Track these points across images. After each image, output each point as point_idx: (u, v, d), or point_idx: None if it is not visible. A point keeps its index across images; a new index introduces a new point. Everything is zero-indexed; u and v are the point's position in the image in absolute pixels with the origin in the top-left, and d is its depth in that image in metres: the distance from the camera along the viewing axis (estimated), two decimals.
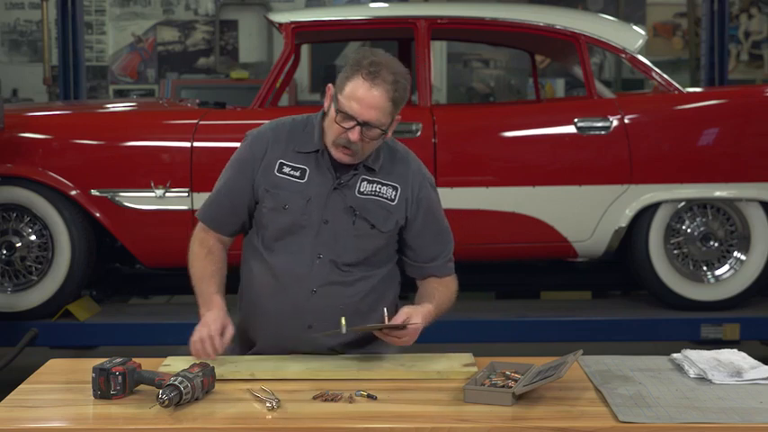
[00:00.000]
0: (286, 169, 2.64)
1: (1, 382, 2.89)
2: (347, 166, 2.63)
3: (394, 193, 2.66)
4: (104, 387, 2.29)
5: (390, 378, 2.45)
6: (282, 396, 2.26)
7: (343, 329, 2.50)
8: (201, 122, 4.68)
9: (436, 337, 4.70)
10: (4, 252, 4.69)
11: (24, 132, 4.70)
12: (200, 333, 2.52)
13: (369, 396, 2.28)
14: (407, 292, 2.85)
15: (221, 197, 2.73)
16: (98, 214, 4.62)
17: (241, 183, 2.68)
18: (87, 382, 2.32)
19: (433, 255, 2.75)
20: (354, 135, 2.53)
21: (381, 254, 2.71)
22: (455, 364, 2.52)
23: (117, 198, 4.60)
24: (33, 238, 4.69)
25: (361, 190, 2.64)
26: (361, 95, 2.50)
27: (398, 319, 2.53)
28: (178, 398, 2.21)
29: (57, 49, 6.59)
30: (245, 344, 2.76)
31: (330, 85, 2.60)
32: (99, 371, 2.29)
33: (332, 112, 2.56)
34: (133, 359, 2.38)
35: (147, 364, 2.42)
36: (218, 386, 2.36)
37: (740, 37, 10.18)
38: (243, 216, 2.72)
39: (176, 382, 2.22)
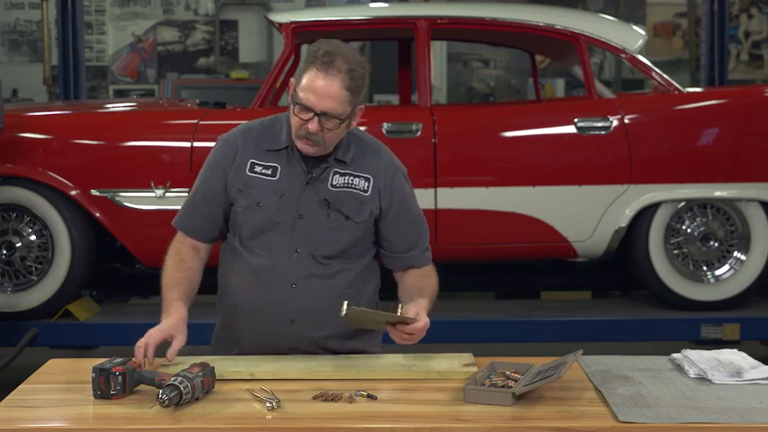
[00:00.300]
0: (258, 168, 2.67)
1: (1, 382, 2.90)
2: (318, 160, 2.65)
3: (366, 184, 2.69)
4: (104, 387, 2.28)
5: (390, 378, 2.45)
6: (282, 396, 2.26)
7: (343, 311, 2.45)
8: (201, 122, 4.68)
9: (436, 337, 4.72)
10: (4, 252, 4.69)
11: (24, 132, 4.70)
12: (141, 339, 2.50)
13: (369, 396, 2.28)
14: (387, 291, 2.86)
15: (197, 203, 2.74)
16: (98, 214, 4.62)
17: (215, 186, 2.70)
18: (87, 382, 2.32)
19: (409, 245, 2.76)
20: (313, 126, 2.55)
21: (359, 246, 2.72)
22: (455, 364, 2.52)
23: (117, 198, 4.60)
24: (33, 238, 4.69)
25: (334, 183, 2.66)
26: (317, 86, 2.53)
27: (410, 312, 2.52)
28: (178, 398, 2.21)
29: (57, 49, 6.59)
30: (226, 345, 2.76)
31: (292, 79, 2.63)
32: (99, 371, 2.29)
33: (291, 105, 2.59)
34: (133, 359, 2.38)
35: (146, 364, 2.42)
36: (218, 386, 2.36)
37: (740, 37, 10.18)
38: (220, 221, 2.73)
39: (176, 382, 2.22)
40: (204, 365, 2.34)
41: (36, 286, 4.69)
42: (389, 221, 2.73)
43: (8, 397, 2.32)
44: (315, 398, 2.27)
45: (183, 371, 2.28)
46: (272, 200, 2.64)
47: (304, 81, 2.55)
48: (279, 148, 2.67)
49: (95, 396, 2.29)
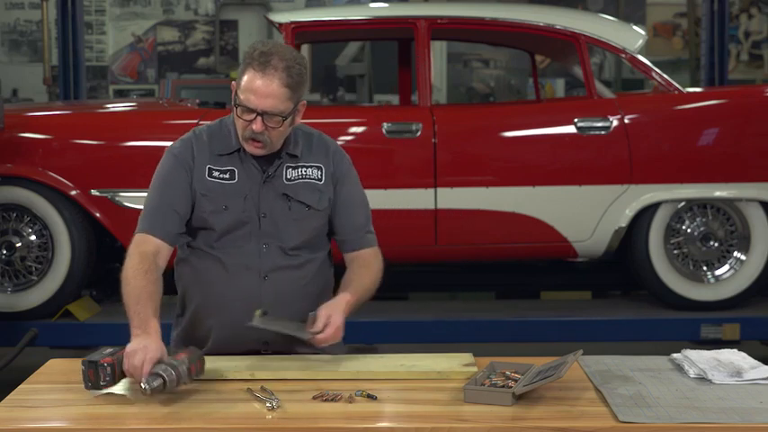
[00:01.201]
0: (215, 173, 2.71)
1: (1, 382, 2.90)
2: (270, 157, 2.70)
3: (319, 172, 2.75)
4: (94, 378, 2.29)
5: (390, 378, 2.45)
6: (282, 396, 2.26)
7: (255, 321, 2.49)
8: (201, 122, 4.68)
9: (436, 337, 4.74)
10: (4, 252, 4.69)
11: (24, 132, 4.70)
12: (136, 359, 2.31)
13: (369, 396, 2.28)
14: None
15: (166, 210, 2.69)
16: (98, 214, 4.63)
17: (183, 186, 2.70)
18: None
19: (356, 227, 2.81)
20: (257, 126, 2.60)
21: (320, 235, 2.79)
22: (455, 364, 2.52)
23: (117, 198, 4.60)
24: (33, 238, 4.69)
25: (289, 177, 2.72)
26: (256, 87, 2.58)
27: (320, 321, 2.53)
28: (162, 386, 2.24)
29: (57, 49, 6.59)
30: (198, 343, 2.74)
31: (233, 82, 2.67)
32: (88, 363, 2.30)
33: (234, 108, 2.64)
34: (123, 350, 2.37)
35: None
36: (218, 386, 2.36)
37: (740, 37, 10.18)
38: (184, 225, 2.73)
39: (160, 371, 2.25)
40: (191, 351, 2.37)
41: (36, 286, 4.69)
42: (339, 205, 2.78)
43: (8, 397, 2.32)
44: (315, 398, 2.28)
45: (169, 358, 2.31)
46: (237, 202, 2.69)
47: (243, 83, 2.60)
48: (231, 152, 2.72)
49: (86, 387, 2.30)
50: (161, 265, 2.64)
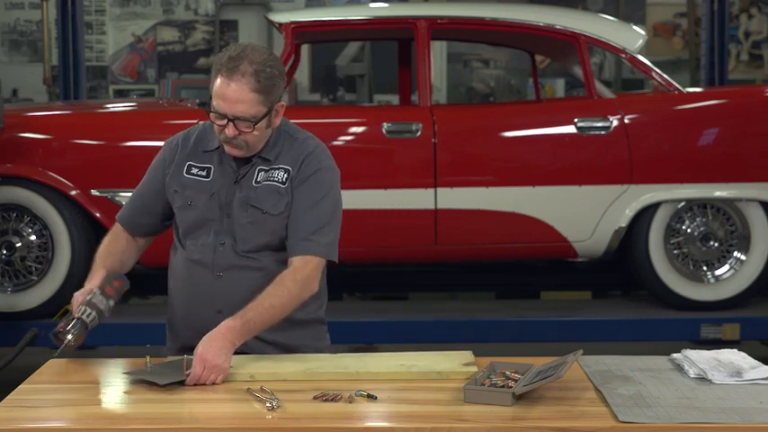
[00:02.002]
0: (194, 170, 2.75)
1: (1, 382, 2.89)
2: (246, 159, 2.71)
3: (285, 175, 2.72)
4: (59, 343, 2.49)
5: (390, 378, 2.45)
6: (282, 396, 2.26)
7: (148, 366, 2.44)
8: (200, 122, 4.68)
9: (436, 337, 4.75)
10: (4, 252, 4.69)
11: (24, 132, 4.70)
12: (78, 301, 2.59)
13: (369, 396, 2.28)
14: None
15: (136, 200, 2.86)
16: (98, 214, 4.63)
17: (155, 186, 2.81)
18: (87, 383, 2.35)
19: (295, 231, 2.68)
20: (230, 131, 2.62)
21: (283, 238, 2.71)
22: (455, 364, 2.52)
23: (117, 198, 4.60)
24: (33, 238, 4.70)
25: (258, 180, 2.71)
26: (225, 93, 2.59)
27: (194, 357, 2.42)
28: (83, 329, 2.43)
29: (57, 49, 6.59)
30: (172, 339, 2.81)
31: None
32: (53, 335, 2.50)
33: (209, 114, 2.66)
34: (68, 306, 2.60)
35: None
36: (218, 386, 2.36)
37: (740, 37, 10.18)
38: (158, 218, 2.82)
39: (79, 314, 2.43)
40: (105, 278, 2.57)
41: (36, 286, 4.70)
42: (292, 209, 2.69)
43: (8, 397, 2.32)
44: (315, 398, 2.27)
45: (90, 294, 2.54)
46: (203, 199, 2.72)
47: (214, 88, 2.62)
48: (212, 149, 2.75)
49: (57, 351, 2.50)
50: (140, 245, 2.87)
